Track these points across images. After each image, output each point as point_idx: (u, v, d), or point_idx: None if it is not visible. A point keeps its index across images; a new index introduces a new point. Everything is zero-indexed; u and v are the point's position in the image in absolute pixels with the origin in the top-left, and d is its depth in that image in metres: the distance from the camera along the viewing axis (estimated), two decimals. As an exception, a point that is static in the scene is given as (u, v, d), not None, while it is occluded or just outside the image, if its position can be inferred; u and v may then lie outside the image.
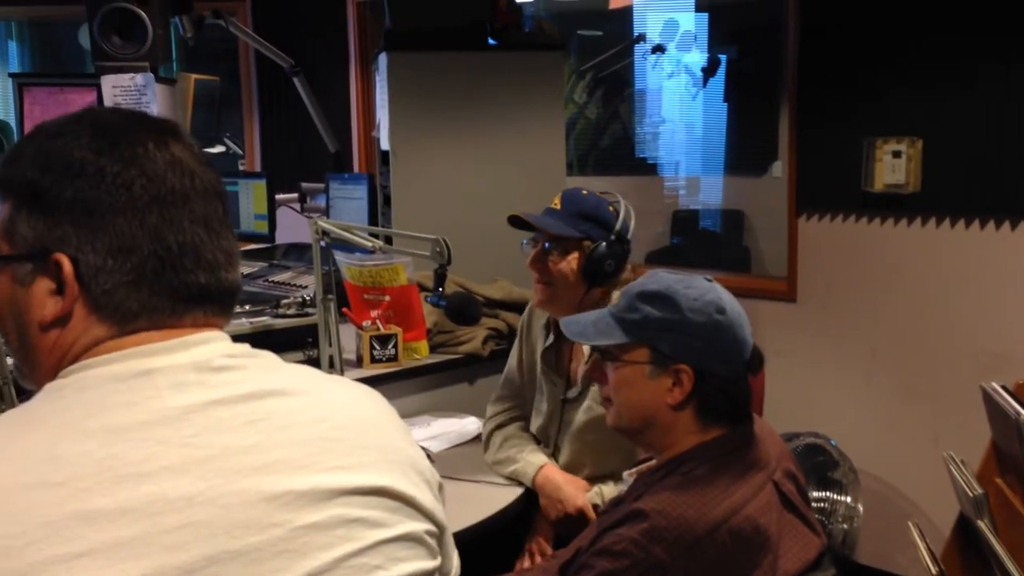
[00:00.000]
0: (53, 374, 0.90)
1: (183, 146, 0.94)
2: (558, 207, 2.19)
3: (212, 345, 0.92)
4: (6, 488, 0.77)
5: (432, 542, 0.97)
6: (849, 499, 3.03)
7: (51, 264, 0.88)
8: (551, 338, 2.29)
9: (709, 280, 1.61)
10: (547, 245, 2.17)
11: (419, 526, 0.95)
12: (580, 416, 2.20)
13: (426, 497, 0.97)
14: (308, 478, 0.87)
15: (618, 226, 2.15)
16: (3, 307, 0.94)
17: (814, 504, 2.88)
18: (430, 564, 0.96)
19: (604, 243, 2.13)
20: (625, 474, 1.78)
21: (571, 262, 2.15)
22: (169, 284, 0.90)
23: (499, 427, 2.39)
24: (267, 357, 0.96)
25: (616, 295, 2.19)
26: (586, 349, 2.17)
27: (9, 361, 1.94)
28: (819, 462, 3.06)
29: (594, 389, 2.16)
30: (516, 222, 2.22)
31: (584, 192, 2.22)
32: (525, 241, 2.24)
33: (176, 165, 0.92)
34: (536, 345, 2.34)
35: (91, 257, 0.88)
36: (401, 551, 0.92)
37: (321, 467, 0.89)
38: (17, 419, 0.85)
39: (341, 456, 0.91)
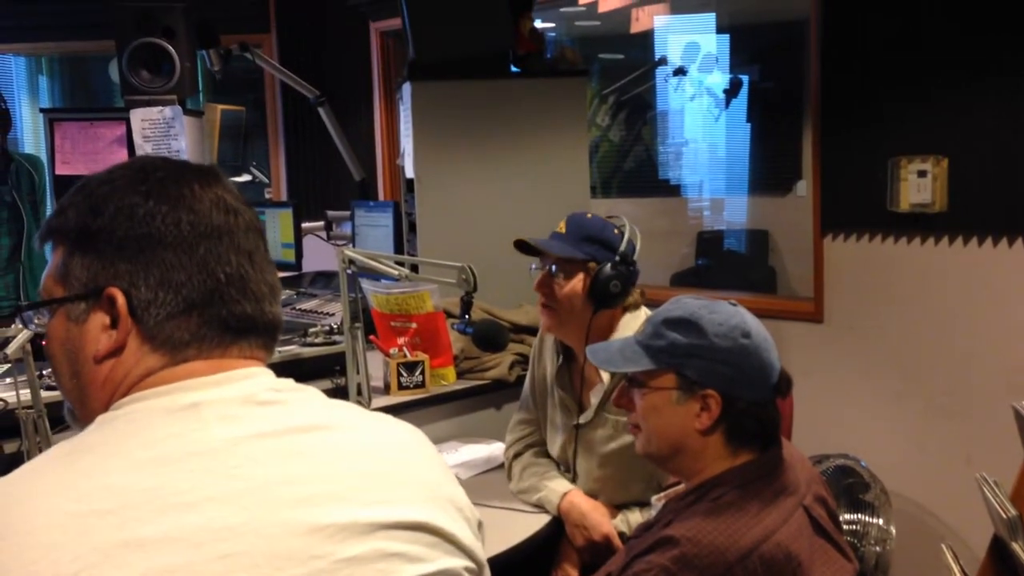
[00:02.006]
0: (105, 407, 0.93)
1: (225, 188, 1.00)
2: (563, 231, 2.20)
3: (257, 380, 0.95)
4: (59, 516, 0.80)
5: None
6: (881, 521, 2.99)
7: (105, 300, 0.93)
8: (560, 360, 2.30)
9: (734, 305, 1.61)
10: (553, 268, 2.19)
11: (458, 562, 0.96)
12: (600, 447, 2.20)
13: (465, 534, 0.98)
14: (349, 511, 0.89)
15: (623, 247, 2.16)
16: (56, 347, 0.98)
17: (846, 526, 2.86)
18: None
19: (609, 264, 2.13)
20: (653, 499, 1.78)
21: (576, 284, 2.16)
22: (217, 314, 0.94)
23: (517, 456, 2.39)
24: (311, 392, 0.99)
25: (626, 318, 2.21)
26: (604, 375, 2.17)
27: (44, 393, 1.97)
28: (850, 484, 3.03)
29: (612, 417, 2.16)
30: (522, 247, 2.24)
31: (589, 216, 2.24)
32: (533, 265, 2.25)
33: (220, 203, 0.97)
34: (548, 368, 2.34)
35: (143, 290, 0.92)
36: None
37: (362, 501, 0.90)
38: (70, 450, 0.88)
39: (382, 490, 0.93)
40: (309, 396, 0.98)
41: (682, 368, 1.57)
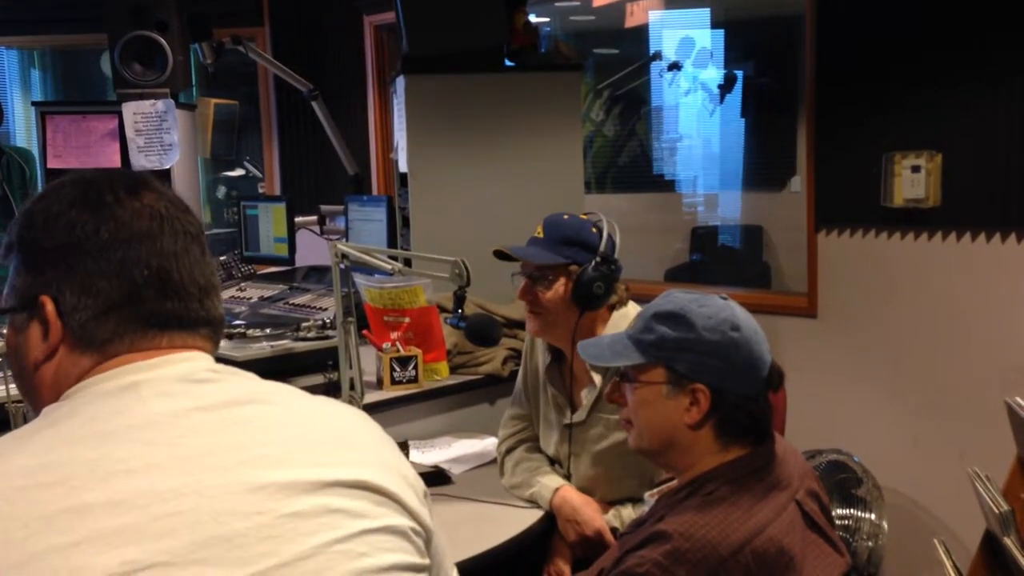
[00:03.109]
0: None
1: (157, 195, 1.05)
2: (541, 235, 2.18)
3: (195, 362, 1.00)
4: (7, 492, 0.85)
5: (418, 540, 1.01)
6: (874, 516, 3.00)
7: (38, 307, 0.99)
8: (548, 358, 2.29)
9: (724, 298, 1.61)
10: (534, 275, 2.18)
11: (403, 521, 0.99)
12: (593, 446, 2.19)
13: (410, 498, 1.01)
14: (290, 471, 0.93)
15: (602, 247, 2.14)
16: (10, 355, 1.05)
17: (838, 521, 2.86)
18: (417, 560, 0.99)
19: (590, 266, 2.11)
20: (646, 495, 1.77)
21: (559, 289, 2.14)
22: (136, 313, 0.99)
23: (509, 451, 2.38)
24: (249, 375, 1.03)
25: (613, 317, 2.20)
26: (596, 376, 2.16)
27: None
28: (843, 479, 3.03)
29: (605, 416, 2.16)
30: (502, 255, 2.23)
31: (566, 217, 2.21)
32: (514, 273, 2.24)
33: (144, 210, 1.02)
34: (540, 365, 2.34)
35: (68, 296, 0.98)
36: (386, 542, 0.96)
37: (303, 463, 0.94)
38: (16, 436, 0.93)
39: (323, 454, 0.97)
40: (247, 377, 1.02)
41: (671, 362, 1.56)
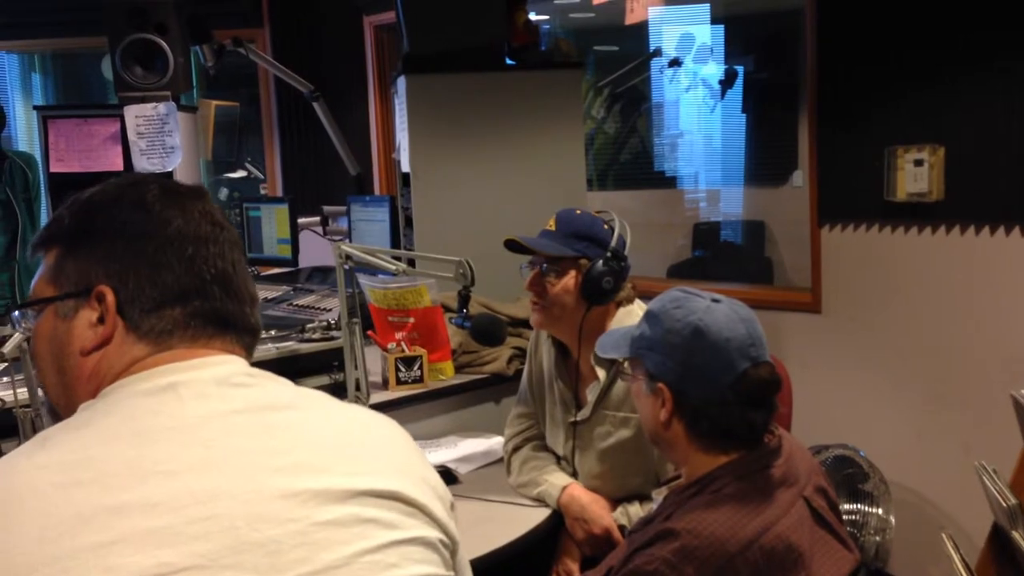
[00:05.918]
0: (91, 399, 0.97)
1: (210, 205, 1.08)
2: (553, 228, 2.19)
3: (232, 366, 1.00)
4: (43, 488, 0.85)
5: (445, 552, 1.01)
6: (881, 511, 3.00)
7: (93, 297, 0.99)
8: (553, 355, 2.29)
9: (716, 300, 1.59)
10: (544, 267, 2.18)
11: (433, 533, 0.99)
12: (599, 443, 2.20)
13: (439, 510, 1.01)
14: (324, 479, 0.93)
15: (613, 243, 2.14)
16: (43, 346, 1.03)
17: (845, 516, 2.86)
18: (444, 572, 1.00)
19: (600, 261, 2.12)
20: (654, 492, 1.78)
21: (568, 282, 2.15)
22: (201, 307, 1.00)
23: (516, 450, 2.38)
24: (285, 381, 1.03)
25: (619, 313, 2.20)
26: (600, 372, 2.17)
27: (41, 392, 1.96)
28: (849, 474, 3.03)
29: (610, 413, 2.16)
30: (513, 246, 2.23)
31: (578, 212, 2.22)
32: (523, 265, 2.24)
33: (207, 216, 1.05)
34: (545, 362, 2.34)
35: (131, 287, 0.98)
36: (415, 553, 0.96)
37: (336, 471, 0.94)
38: (55, 432, 0.93)
39: (355, 463, 0.97)
40: (282, 382, 1.03)
41: (644, 360, 1.61)
